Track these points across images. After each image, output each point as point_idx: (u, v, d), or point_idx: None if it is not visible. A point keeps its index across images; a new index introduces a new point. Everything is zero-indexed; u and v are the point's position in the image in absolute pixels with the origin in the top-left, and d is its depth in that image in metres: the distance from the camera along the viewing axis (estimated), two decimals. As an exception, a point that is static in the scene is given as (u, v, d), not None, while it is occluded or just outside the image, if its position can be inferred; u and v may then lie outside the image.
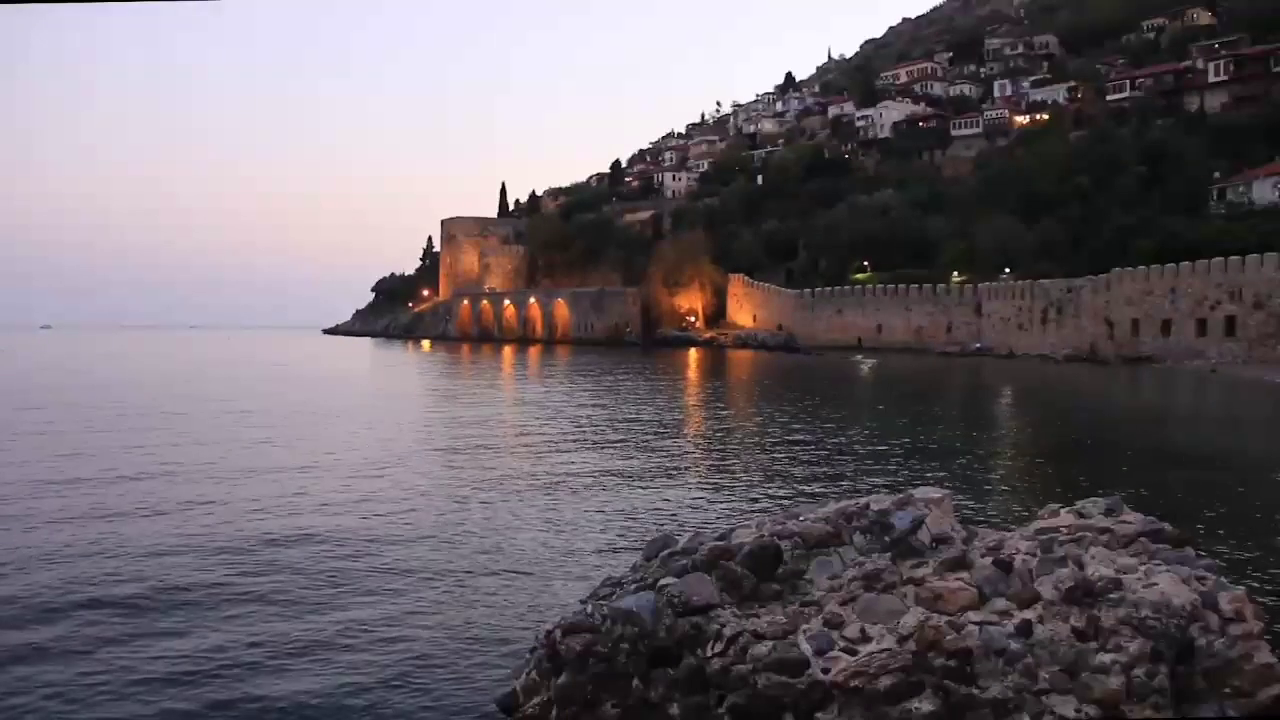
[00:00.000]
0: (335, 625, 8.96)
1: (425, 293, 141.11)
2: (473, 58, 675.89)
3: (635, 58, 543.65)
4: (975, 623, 5.13)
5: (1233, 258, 54.04)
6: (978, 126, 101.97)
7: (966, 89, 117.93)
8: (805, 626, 5.41)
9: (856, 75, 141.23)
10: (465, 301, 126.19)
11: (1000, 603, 5.29)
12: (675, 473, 18.44)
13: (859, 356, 71.70)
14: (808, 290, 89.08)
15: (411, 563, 11.37)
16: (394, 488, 16.60)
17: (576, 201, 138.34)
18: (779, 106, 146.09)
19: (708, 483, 17.38)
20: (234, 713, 7.10)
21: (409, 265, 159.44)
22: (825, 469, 18.65)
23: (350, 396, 38.42)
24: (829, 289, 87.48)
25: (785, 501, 14.91)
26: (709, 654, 5.45)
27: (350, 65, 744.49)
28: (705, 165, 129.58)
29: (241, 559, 11.44)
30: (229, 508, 14.58)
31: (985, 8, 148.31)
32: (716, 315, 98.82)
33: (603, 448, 22.13)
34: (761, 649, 5.33)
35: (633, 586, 6.06)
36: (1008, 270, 73.70)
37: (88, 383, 44.85)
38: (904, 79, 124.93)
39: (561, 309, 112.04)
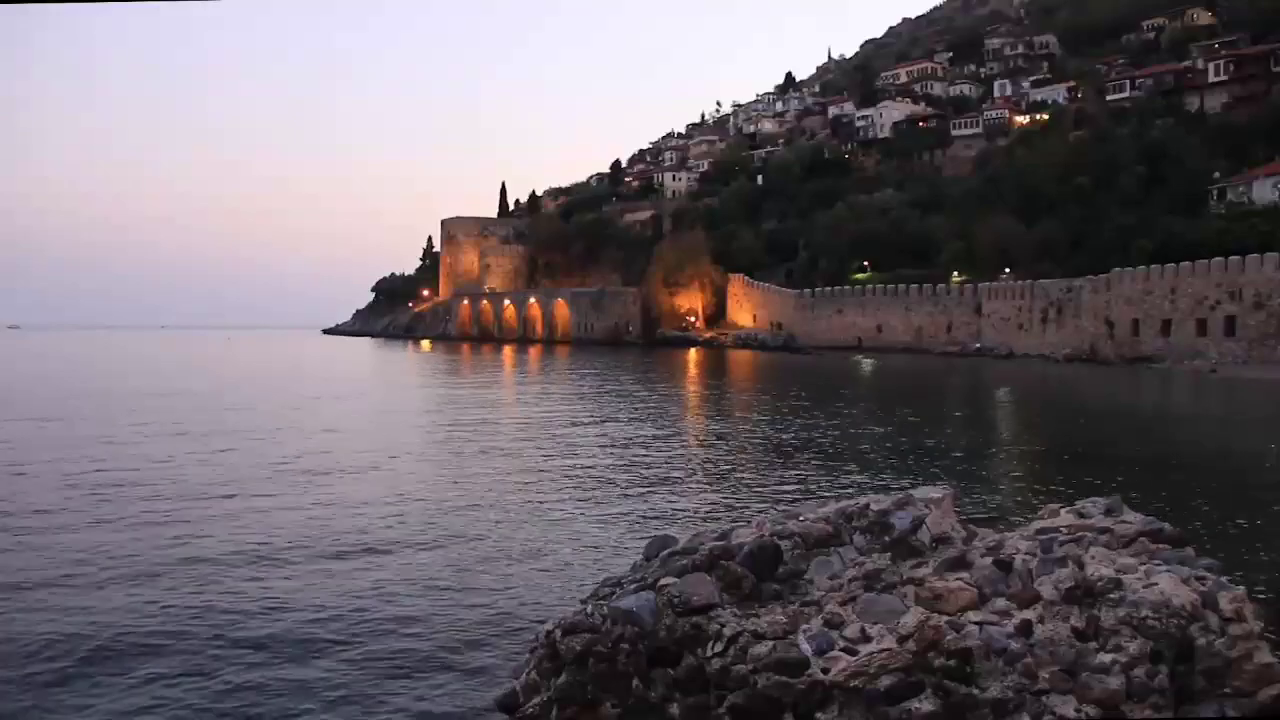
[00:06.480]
0: (335, 624, 8.96)
1: (425, 293, 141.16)
2: (474, 57, 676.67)
3: (635, 58, 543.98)
4: (975, 623, 5.13)
5: (1233, 258, 54.00)
6: (978, 126, 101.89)
7: (966, 89, 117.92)
8: (805, 626, 5.41)
9: (856, 75, 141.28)
10: (465, 301, 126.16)
11: (1000, 603, 5.29)
12: (675, 473, 18.44)
13: (859, 356, 71.69)
14: (808, 290, 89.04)
15: (410, 562, 11.37)
16: (392, 488, 16.59)
17: (576, 201, 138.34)
18: (779, 106, 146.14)
19: (708, 483, 17.38)
20: (232, 711, 7.09)
21: (409, 265, 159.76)
22: (825, 469, 18.64)
23: (350, 397, 38.39)
24: (829, 289, 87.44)
25: (785, 501, 14.90)
26: (709, 654, 5.45)
27: (351, 65, 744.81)
28: (705, 165, 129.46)
29: (238, 558, 11.44)
30: (226, 507, 14.58)
31: (985, 8, 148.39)
32: (716, 315, 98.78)
33: (602, 447, 22.12)
34: (761, 649, 5.33)
35: (633, 586, 6.06)
36: (1008, 270, 73.69)
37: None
38: (904, 79, 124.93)
39: (561, 309, 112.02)
